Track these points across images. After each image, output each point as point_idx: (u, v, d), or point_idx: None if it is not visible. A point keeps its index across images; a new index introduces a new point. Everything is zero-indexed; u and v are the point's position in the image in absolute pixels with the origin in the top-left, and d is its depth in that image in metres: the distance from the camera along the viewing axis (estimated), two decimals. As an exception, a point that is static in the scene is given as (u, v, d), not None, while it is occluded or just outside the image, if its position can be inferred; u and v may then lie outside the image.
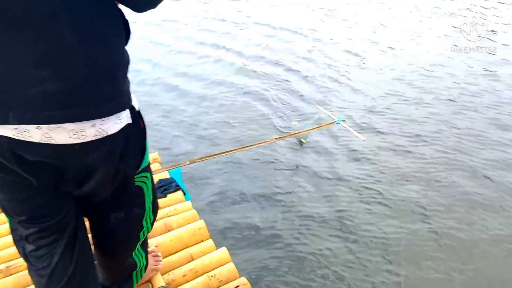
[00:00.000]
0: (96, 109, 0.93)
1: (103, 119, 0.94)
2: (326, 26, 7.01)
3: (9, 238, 2.04)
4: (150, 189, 1.32)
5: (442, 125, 3.98)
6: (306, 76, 5.08)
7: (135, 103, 1.09)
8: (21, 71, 0.83)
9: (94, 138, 0.95)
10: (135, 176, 1.21)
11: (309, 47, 6.08)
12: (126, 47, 1.02)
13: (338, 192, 3.08)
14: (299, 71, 5.23)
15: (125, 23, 1.01)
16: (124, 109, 1.00)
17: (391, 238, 2.72)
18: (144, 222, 1.38)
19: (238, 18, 7.36)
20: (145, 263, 1.65)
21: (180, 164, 2.80)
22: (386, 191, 3.08)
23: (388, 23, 7.15)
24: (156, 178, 2.61)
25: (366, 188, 3.11)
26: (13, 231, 1.21)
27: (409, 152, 3.55)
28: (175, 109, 4.26)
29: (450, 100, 4.50)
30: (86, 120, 0.91)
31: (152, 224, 1.46)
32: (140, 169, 1.21)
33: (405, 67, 5.38)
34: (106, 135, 0.97)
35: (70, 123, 0.90)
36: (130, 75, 1.03)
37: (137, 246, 1.49)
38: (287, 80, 4.98)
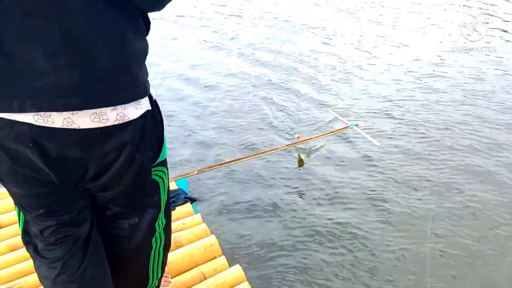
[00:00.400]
0: (113, 97, 0.95)
1: (123, 105, 0.97)
2: (336, 24, 6.90)
3: (9, 257, 1.97)
4: (166, 187, 1.27)
5: (457, 127, 3.87)
6: (316, 79, 4.98)
7: (152, 92, 1.09)
8: (38, 59, 0.85)
9: (116, 123, 0.97)
10: (152, 169, 1.16)
11: (317, 48, 5.98)
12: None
13: (352, 202, 2.96)
14: (308, 73, 5.13)
15: (143, 13, 1.02)
16: (142, 97, 1.02)
17: (409, 251, 2.61)
18: (156, 226, 1.30)
19: (247, 13, 7.30)
20: (156, 284, 1.55)
21: (188, 174, 2.70)
22: (402, 200, 2.97)
23: (398, 22, 7.05)
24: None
25: (382, 199, 3.00)
26: (24, 232, 1.19)
27: (426, 158, 3.43)
28: (179, 115, 4.17)
29: (465, 99, 4.39)
30: (103, 107, 0.94)
31: (165, 232, 1.37)
32: (157, 162, 1.16)
33: (416, 67, 5.28)
34: (128, 120, 0.99)
35: (90, 110, 0.92)
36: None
37: (157, 262, 1.41)
38: (296, 81, 4.88)
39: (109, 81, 0.94)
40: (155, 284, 1.52)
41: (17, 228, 2.13)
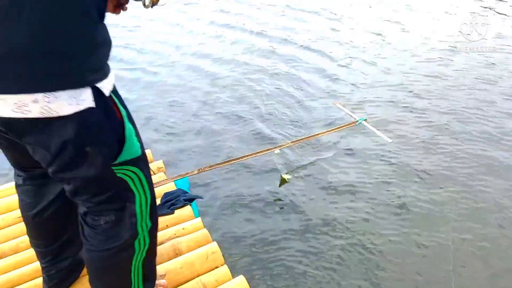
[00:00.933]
0: (30, 83, 0.93)
1: (48, 96, 0.93)
2: (345, 10, 6.74)
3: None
4: (145, 188, 1.26)
5: (473, 121, 3.74)
6: (322, 69, 4.83)
7: (106, 88, 1.06)
8: None
9: (42, 116, 0.95)
10: (115, 167, 1.15)
11: (324, 35, 5.82)
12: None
13: (359, 202, 2.84)
14: (314, 63, 4.99)
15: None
16: (72, 87, 0.97)
17: (429, 248, 2.50)
18: (139, 227, 1.28)
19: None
20: None
21: (188, 173, 2.58)
22: (418, 198, 2.86)
23: (411, 6, 6.87)
24: (162, 190, 2.41)
25: (396, 196, 2.88)
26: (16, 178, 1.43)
27: (441, 151, 3.30)
28: (179, 110, 4.04)
29: (479, 91, 4.25)
30: (19, 93, 0.92)
31: (150, 235, 1.34)
32: (120, 161, 1.15)
33: (428, 55, 5.12)
34: (57, 115, 0.97)
35: (7, 95, 0.92)
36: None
37: (140, 267, 1.37)
38: (302, 71, 4.74)
39: (29, 66, 0.91)
40: None
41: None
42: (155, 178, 2.55)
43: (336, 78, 4.60)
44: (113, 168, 1.15)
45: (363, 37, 5.72)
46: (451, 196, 2.89)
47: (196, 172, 2.63)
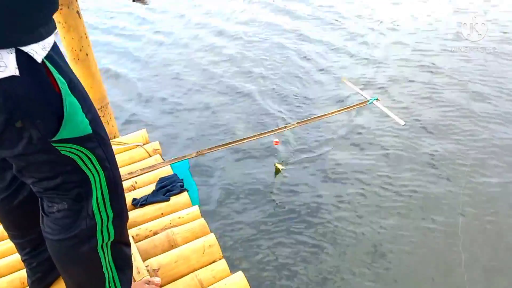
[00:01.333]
0: None
1: None
2: None
3: None
4: (100, 173, 1.13)
5: (494, 102, 3.55)
6: (331, 44, 4.63)
7: (37, 53, 0.91)
8: None
9: None
10: (57, 145, 1.02)
11: (335, 8, 5.57)
12: None
13: (366, 190, 2.71)
14: (322, 39, 4.77)
15: None
16: None
17: (439, 244, 2.39)
18: (97, 217, 1.17)
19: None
20: None
21: (185, 156, 2.45)
22: (427, 187, 2.72)
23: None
24: (157, 174, 2.28)
25: (406, 185, 2.74)
26: None
27: (456, 134, 3.14)
28: (180, 86, 3.88)
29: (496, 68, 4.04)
30: None
31: (114, 225, 1.22)
32: (61, 138, 1.01)
33: (443, 29, 4.89)
34: None
35: None
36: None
37: (108, 259, 1.26)
38: (309, 47, 4.54)
39: None
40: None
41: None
42: (150, 161, 2.43)
43: (345, 53, 4.40)
44: (55, 145, 1.02)
45: (379, 9, 5.45)
46: (468, 186, 2.74)
47: (194, 154, 2.50)
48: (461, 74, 3.97)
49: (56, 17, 2.16)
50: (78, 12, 2.22)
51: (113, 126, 2.65)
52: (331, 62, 4.21)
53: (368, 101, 3.00)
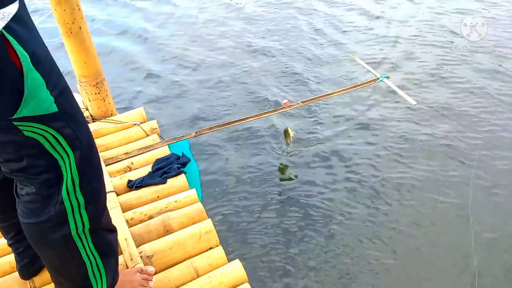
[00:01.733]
0: None
1: None
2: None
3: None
4: (68, 152, 1.05)
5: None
6: (338, 19, 4.46)
7: None
8: None
9: None
10: (18, 123, 0.95)
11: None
12: None
13: (371, 177, 2.61)
14: (330, 13, 4.60)
15: None
16: None
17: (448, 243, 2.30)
18: (67, 203, 1.10)
19: None
20: (106, 280, 1.29)
21: (184, 136, 2.37)
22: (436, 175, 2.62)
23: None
24: (155, 155, 2.21)
25: (413, 176, 2.64)
26: None
27: (471, 117, 3.01)
28: (181, 63, 3.77)
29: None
30: None
31: (88, 211, 1.15)
32: (22, 116, 0.94)
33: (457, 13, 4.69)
34: None
35: None
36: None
37: (87, 248, 1.20)
38: (315, 22, 4.38)
39: None
40: (99, 278, 1.28)
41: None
42: (148, 141, 2.35)
43: (354, 29, 4.24)
44: (16, 124, 0.95)
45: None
46: (477, 173, 2.63)
47: (194, 134, 2.41)
48: (477, 57, 3.80)
49: (46, -14, 2.06)
50: (69, -18, 2.11)
51: (109, 103, 2.57)
52: (339, 38, 4.06)
53: (378, 78, 2.88)
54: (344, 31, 4.21)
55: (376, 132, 2.94)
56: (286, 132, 2.60)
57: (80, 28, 2.23)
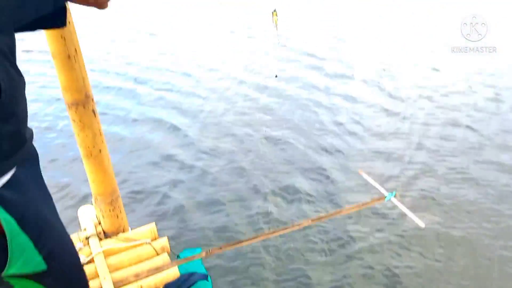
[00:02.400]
0: None
1: None
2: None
3: None
4: None
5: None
6: (339, 134, 4.68)
7: None
8: None
9: None
10: (9, 279, 0.97)
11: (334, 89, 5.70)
12: None
13: None
14: (329, 122, 4.84)
15: None
16: None
17: None
18: None
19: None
20: None
21: (194, 256, 2.41)
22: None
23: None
24: (164, 278, 2.23)
25: None
26: None
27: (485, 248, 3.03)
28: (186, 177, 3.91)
29: None
30: None
31: None
32: (11, 274, 0.95)
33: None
34: None
35: None
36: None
37: None
38: (321, 136, 4.59)
39: None
40: None
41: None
42: (158, 261, 2.39)
43: (364, 141, 4.43)
44: (6, 280, 0.97)
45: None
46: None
47: (204, 254, 2.45)
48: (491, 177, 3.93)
49: (72, 114, 2.24)
50: (93, 111, 2.30)
51: (122, 219, 2.64)
52: (346, 152, 4.24)
53: (385, 197, 2.96)
54: (353, 145, 4.38)
55: (386, 253, 2.96)
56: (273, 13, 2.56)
57: (100, 151, 2.39)
